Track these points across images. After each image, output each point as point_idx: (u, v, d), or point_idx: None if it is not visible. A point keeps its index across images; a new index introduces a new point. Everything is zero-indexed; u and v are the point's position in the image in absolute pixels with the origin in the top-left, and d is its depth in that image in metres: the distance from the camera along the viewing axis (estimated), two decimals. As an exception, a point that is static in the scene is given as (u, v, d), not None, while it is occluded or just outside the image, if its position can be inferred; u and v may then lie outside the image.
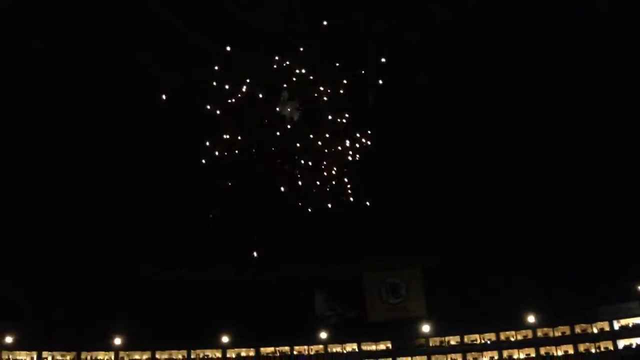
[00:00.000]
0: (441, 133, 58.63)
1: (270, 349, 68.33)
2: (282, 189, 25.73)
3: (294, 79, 26.85)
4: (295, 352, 68.14)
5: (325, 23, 30.88)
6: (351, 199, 27.66)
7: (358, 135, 27.48)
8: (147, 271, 67.50)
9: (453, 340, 67.27)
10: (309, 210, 27.44)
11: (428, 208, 63.50)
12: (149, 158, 59.40)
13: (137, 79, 49.05)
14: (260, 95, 25.97)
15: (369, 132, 29.25)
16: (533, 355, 63.99)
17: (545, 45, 49.80)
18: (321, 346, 68.37)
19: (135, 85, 50.01)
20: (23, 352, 62.64)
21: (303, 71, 26.71)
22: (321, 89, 27.04)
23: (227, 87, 26.21)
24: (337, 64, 28.73)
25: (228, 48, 28.66)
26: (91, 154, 57.77)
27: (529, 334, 65.04)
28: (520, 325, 65.13)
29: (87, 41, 46.04)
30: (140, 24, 45.75)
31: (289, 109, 31.17)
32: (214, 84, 26.45)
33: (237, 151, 26.15)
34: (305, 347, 68.47)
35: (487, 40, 49.01)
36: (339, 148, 27.31)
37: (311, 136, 26.28)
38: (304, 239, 59.62)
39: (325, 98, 27.03)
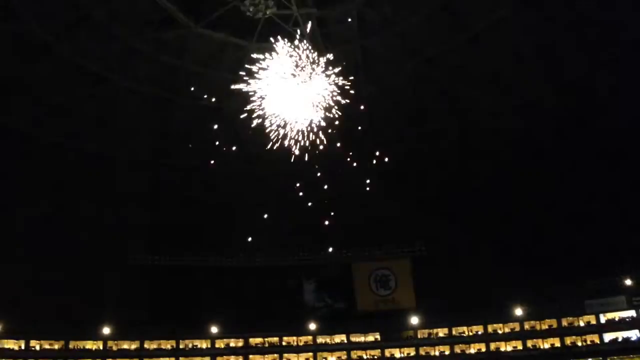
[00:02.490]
0: (430, 122, 58.79)
1: (259, 340, 68.46)
2: None
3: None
4: (284, 343, 68.28)
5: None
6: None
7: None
8: (136, 260, 67.45)
9: (441, 332, 67.70)
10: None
11: (418, 199, 63.70)
12: (139, 144, 59.33)
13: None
14: None
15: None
16: (520, 347, 64.44)
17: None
18: (310, 337, 68.59)
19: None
20: (11, 341, 62.41)
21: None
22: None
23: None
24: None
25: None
26: (81, 139, 57.41)
27: (516, 326, 65.46)
28: (508, 318, 65.54)
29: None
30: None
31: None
32: None
33: None
34: (294, 337, 68.60)
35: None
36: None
37: None
38: (293, 228, 59.76)
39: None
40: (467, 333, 67.18)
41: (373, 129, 50.55)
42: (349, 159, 34.49)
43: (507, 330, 65.94)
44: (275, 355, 67.67)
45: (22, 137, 53.92)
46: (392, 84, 54.00)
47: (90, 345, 65.05)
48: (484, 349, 65.55)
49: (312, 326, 68.40)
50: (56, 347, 63.83)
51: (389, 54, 51.00)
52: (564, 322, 64.11)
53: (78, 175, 58.61)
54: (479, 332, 66.63)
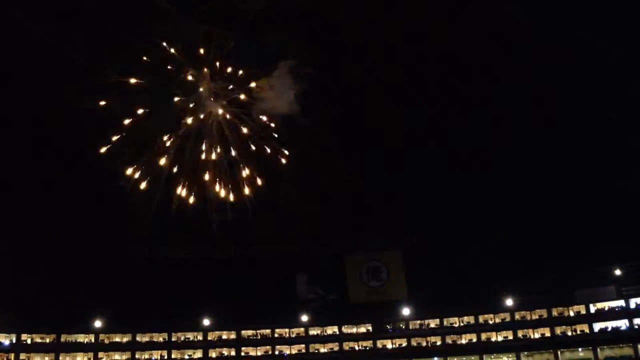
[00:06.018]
0: (424, 116, 58.76)
1: (252, 332, 68.59)
2: None
3: None
4: (276, 335, 68.42)
5: None
6: None
7: None
8: (127, 253, 67.19)
9: (432, 323, 68.06)
10: None
11: (409, 192, 63.86)
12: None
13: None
14: None
15: None
16: (511, 337, 64.93)
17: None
18: (302, 329, 68.75)
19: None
20: (2, 335, 62.37)
21: None
22: None
23: None
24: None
25: None
26: (70, 133, 56.96)
27: (507, 317, 65.98)
28: (499, 308, 66.00)
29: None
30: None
31: None
32: None
33: None
34: (287, 329, 68.76)
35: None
36: None
37: None
38: (284, 220, 59.60)
39: None
40: (458, 324, 67.64)
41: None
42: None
43: (497, 320, 66.43)
44: (268, 347, 67.88)
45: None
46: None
47: (82, 338, 65.10)
48: (475, 339, 65.99)
49: (304, 318, 68.60)
50: (47, 340, 63.82)
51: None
52: (554, 312, 64.64)
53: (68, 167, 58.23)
54: (470, 323, 67.05)
